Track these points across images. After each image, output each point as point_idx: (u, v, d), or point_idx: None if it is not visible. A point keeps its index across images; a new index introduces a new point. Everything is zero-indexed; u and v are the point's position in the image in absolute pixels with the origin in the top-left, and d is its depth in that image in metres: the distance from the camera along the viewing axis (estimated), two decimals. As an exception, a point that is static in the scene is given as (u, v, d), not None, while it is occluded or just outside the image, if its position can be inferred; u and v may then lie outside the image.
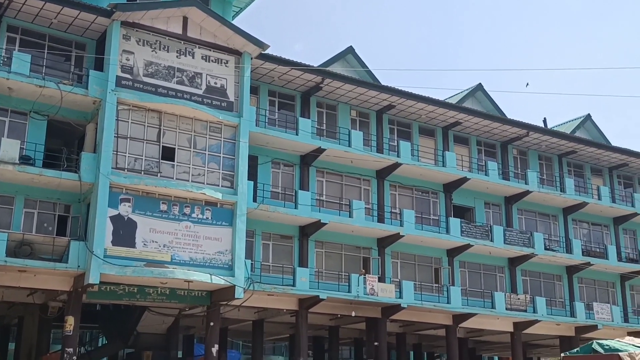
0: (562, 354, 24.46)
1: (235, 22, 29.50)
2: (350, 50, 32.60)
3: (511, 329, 33.48)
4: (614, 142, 40.44)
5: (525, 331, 33.52)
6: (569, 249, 35.91)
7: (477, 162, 34.70)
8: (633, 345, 23.19)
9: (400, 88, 31.14)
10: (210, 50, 26.47)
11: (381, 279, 29.79)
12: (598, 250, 37.10)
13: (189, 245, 24.49)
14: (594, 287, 37.72)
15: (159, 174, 24.53)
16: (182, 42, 25.95)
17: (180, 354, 33.66)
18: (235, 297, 24.64)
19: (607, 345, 22.74)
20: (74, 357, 22.93)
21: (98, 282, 22.48)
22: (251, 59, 27.16)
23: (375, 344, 29.75)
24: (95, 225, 22.80)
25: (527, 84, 38.56)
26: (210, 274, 24.09)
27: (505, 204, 35.34)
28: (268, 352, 48.40)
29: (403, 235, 30.14)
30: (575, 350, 24.66)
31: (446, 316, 31.46)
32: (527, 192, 34.70)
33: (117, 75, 24.36)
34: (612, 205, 37.71)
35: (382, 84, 31.70)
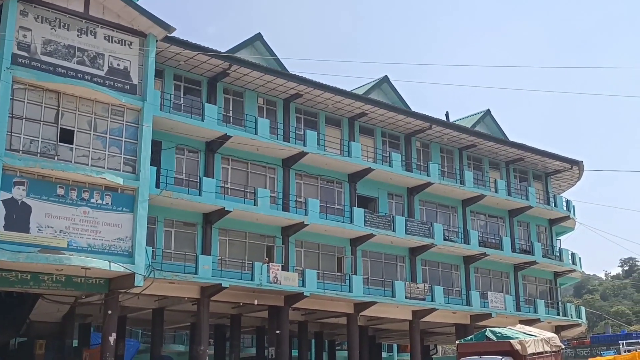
0: (457, 341, 25.33)
1: (142, 3, 28.67)
2: (258, 37, 32.39)
3: (410, 317, 34.47)
4: (512, 138, 42.12)
5: (424, 319, 34.60)
6: (466, 240, 37.18)
7: (381, 153, 35.33)
8: (524, 333, 24.41)
9: (307, 77, 31.23)
10: (113, 30, 25.64)
11: (284, 268, 29.92)
12: (494, 241, 38.63)
13: (87, 231, 23.76)
14: (489, 277, 39.27)
15: (56, 157, 23.61)
16: (84, 20, 25.02)
17: (75, 343, 32.72)
18: (135, 284, 24.14)
19: (499, 332, 23.82)
20: (-40, 347, 21.86)
21: (-12, 269, 21.46)
22: (156, 41, 26.51)
23: (277, 332, 29.90)
24: (-14, 209, 21.71)
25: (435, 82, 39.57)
26: (109, 261, 23.49)
27: (407, 194, 36.18)
28: (168, 340, 47.74)
29: (307, 224, 30.35)
30: (469, 337, 25.68)
31: (348, 305, 31.98)
32: (429, 184, 35.66)
33: (12, 53, 23.27)
34: (508, 198, 39.31)
35: (291, 72, 31.67)
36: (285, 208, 30.86)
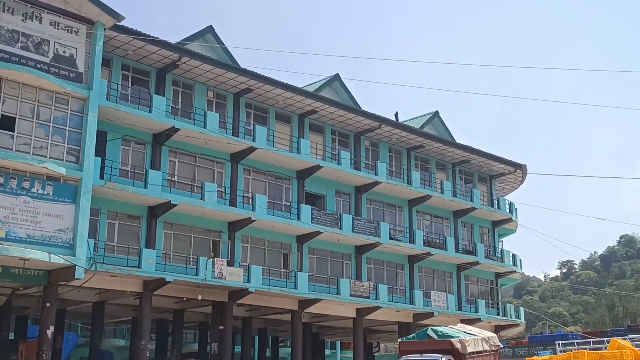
0: (399, 340, 25.58)
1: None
2: (210, 29, 32.02)
3: (354, 315, 34.67)
4: (459, 140, 42.77)
5: (367, 317, 34.86)
6: (412, 239, 37.58)
7: (330, 151, 35.41)
8: (464, 332, 24.82)
9: (259, 72, 31.07)
10: (60, 16, 24.98)
11: (230, 263, 29.70)
12: (438, 241, 39.16)
13: (27, 221, 23.11)
14: (432, 277, 39.80)
15: (-4, 144, 22.86)
16: (29, 5, 24.31)
17: (12, 336, 31.85)
18: (76, 277, 23.60)
19: (440, 331, 24.16)
20: None
21: None
22: (104, 29, 25.93)
23: (221, 327, 29.70)
24: None
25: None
26: (49, 253, 22.92)
27: (355, 193, 36.35)
28: (109, 335, 46.92)
29: (254, 220, 30.20)
30: (411, 335, 25.97)
31: (292, 301, 31.97)
32: (377, 183, 35.91)
33: (-48, 35, 22.42)
34: (453, 199, 39.89)
35: (242, 67, 31.43)
36: (233, 203, 30.63)
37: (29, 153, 23.44)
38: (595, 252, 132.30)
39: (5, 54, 23.51)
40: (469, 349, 23.04)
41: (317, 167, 33.40)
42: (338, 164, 34.56)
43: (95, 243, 25.41)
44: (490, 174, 44.42)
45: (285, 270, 32.46)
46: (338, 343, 55.80)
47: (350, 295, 33.17)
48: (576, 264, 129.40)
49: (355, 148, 36.98)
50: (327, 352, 52.74)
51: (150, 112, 27.78)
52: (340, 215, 33.99)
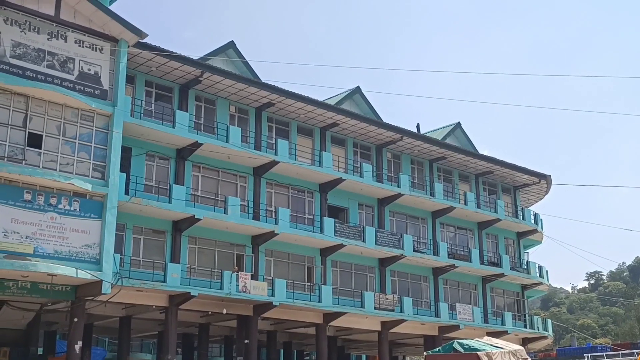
0: (425, 353, 25.40)
1: (118, 6, 28.53)
2: (231, 44, 32.40)
3: (379, 328, 34.47)
4: (481, 150, 42.62)
5: (392, 330, 34.64)
6: (435, 251, 37.41)
7: (352, 164, 35.46)
8: (491, 345, 24.52)
9: (280, 86, 31.29)
10: (84, 35, 25.42)
11: (254, 277, 29.78)
12: (463, 253, 38.91)
13: (54, 237, 23.42)
14: (457, 289, 39.52)
15: (23, 162, 23.25)
16: (55, 24, 24.77)
17: (40, 351, 32.21)
18: (102, 292, 23.83)
19: (466, 344, 23.90)
20: None
21: (-50, 274, 21.06)
22: (128, 47, 26.34)
23: (246, 341, 29.72)
24: (-50, 213, 21.31)
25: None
26: (76, 268, 23.17)
27: (378, 205, 36.31)
28: (135, 349, 47.16)
29: (277, 234, 30.28)
30: (437, 349, 25.75)
31: (317, 315, 31.91)
32: (399, 195, 35.83)
33: (-19, 55, 22.91)
34: (477, 211, 39.66)
35: (263, 81, 31.69)
36: (256, 217, 30.77)
37: (55, 170, 23.80)
38: (623, 263, 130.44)
39: (32, 72, 23.96)
40: (496, 362, 22.77)
41: (340, 180, 33.45)
42: (360, 176, 34.57)
43: (121, 258, 25.65)
44: (515, 184, 44.13)
45: (309, 284, 32.47)
46: (364, 357, 55.44)
47: (375, 308, 33.03)
48: (604, 275, 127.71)
49: (377, 160, 36.99)
50: (353, 365, 52.47)
51: (173, 127, 28.09)
52: (363, 227, 33.95)
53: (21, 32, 23.99)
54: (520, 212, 43.09)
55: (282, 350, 42.12)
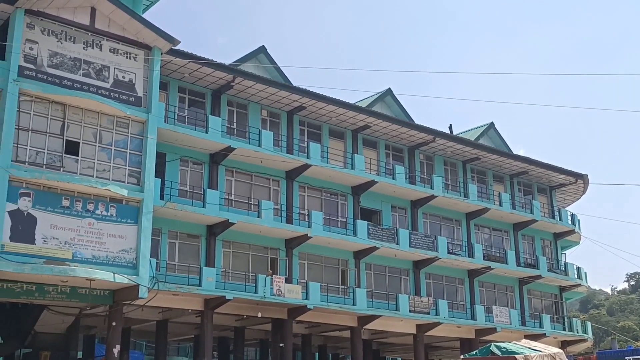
0: (462, 356, 25.19)
1: (152, 13, 28.97)
2: (262, 49, 32.64)
3: (414, 331, 34.31)
4: (516, 150, 42.18)
5: (428, 333, 34.44)
6: (470, 253, 37.12)
7: (385, 166, 35.40)
8: (529, 348, 24.17)
9: (311, 90, 31.44)
10: (118, 43, 25.87)
11: (288, 280, 29.89)
12: (498, 255, 38.53)
13: (92, 242, 23.83)
14: (493, 291, 39.13)
15: (61, 169, 23.74)
16: (90, 33, 25.26)
17: (80, 355, 32.71)
18: (139, 296, 24.13)
19: (504, 347, 23.58)
20: (-35, 358, 21.91)
21: (-7, 280, 21.56)
22: (161, 54, 26.72)
23: (281, 345, 29.84)
24: (-8, 220, 21.82)
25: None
26: (114, 273, 23.51)
27: (411, 207, 36.18)
28: (172, 352, 47.62)
29: (311, 237, 30.37)
30: (474, 352, 25.49)
31: (351, 318, 31.90)
32: (433, 197, 35.66)
33: (19, 65, 23.48)
34: (512, 212, 39.26)
35: (294, 85, 31.88)
36: (289, 220, 30.92)
37: (92, 176, 24.24)
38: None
39: (69, 81, 24.45)
40: (535, 366, 22.46)
41: (372, 183, 33.43)
42: (393, 178, 34.50)
43: (157, 262, 26.01)
44: (550, 184, 43.59)
45: (343, 287, 32.48)
46: (399, 360, 55.27)
47: (410, 311, 32.89)
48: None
49: (409, 162, 36.88)
50: (389, 369, 52.26)
51: (206, 132, 28.40)
52: (396, 230, 33.86)
53: (58, 42, 24.51)
54: (556, 213, 42.51)
55: (317, 354, 42.15)
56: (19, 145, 23.06)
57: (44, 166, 23.43)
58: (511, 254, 38.53)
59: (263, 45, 32.70)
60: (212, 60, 28.47)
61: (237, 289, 28.27)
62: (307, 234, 30.31)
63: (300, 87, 31.40)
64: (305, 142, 32.43)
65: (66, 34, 24.78)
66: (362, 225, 32.32)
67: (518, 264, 39.07)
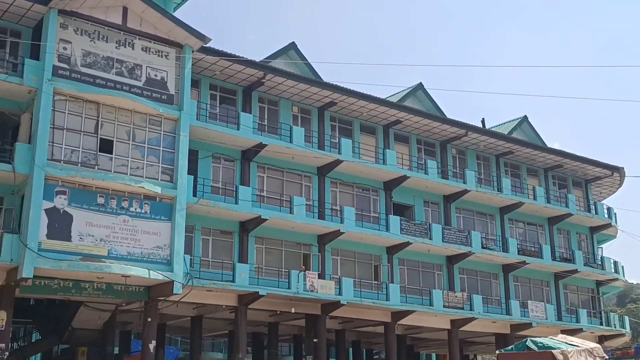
0: (498, 351, 24.95)
1: (184, 11, 29.17)
2: (292, 46, 32.65)
3: (448, 326, 34.08)
4: (550, 144, 41.60)
5: (462, 328, 34.19)
6: (505, 248, 36.73)
7: (417, 161, 35.19)
8: (566, 343, 23.84)
9: (342, 85, 31.36)
10: (150, 41, 26.10)
11: (321, 276, 29.91)
12: (533, 249, 38.06)
13: (127, 239, 24.09)
14: (528, 286, 38.68)
15: (96, 167, 24.06)
16: (122, 32, 25.52)
17: (116, 350, 33.14)
18: (174, 292, 24.36)
19: (540, 342, 23.30)
20: (6, 353, 22.35)
21: (32, 276, 21.96)
22: (192, 52, 26.89)
23: (315, 340, 29.86)
24: (30, 218, 22.21)
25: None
26: (148, 269, 23.76)
27: (444, 202, 35.92)
28: (207, 348, 47.99)
29: (343, 232, 30.32)
30: (510, 347, 25.24)
31: (385, 313, 31.79)
32: (466, 191, 35.35)
33: (53, 65, 23.82)
34: (547, 206, 38.74)
35: (325, 80, 31.83)
36: (321, 216, 30.91)
37: (126, 174, 24.50)
38: None
39: (102, 80, 24.74)
40: (571, 361, 22.14)
41: (404, 178, 33.25)
42: (425, 173, 34.28)
43: (191, 259, 26.19)
44: (586, 178, 42.90)
45: (376, 282, 32.39)
46: (434, 355, 54.88)
47: (444, 306, 32.67)
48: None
49: (442, 157, 36.60)
50: (423, 365, 52.05)
51: (238, 129, 28.51)
52: (429, 225, 33.65)
53: (91, 41, 24.81)
54: (592, 206, 41.84)
55: (350, 349, 42.14)
56: (54, 144, 23.41)
57: (79, 164, 23.75)
58: (546, 248, 38.05)
59: (293, 42, 32.74)
60: (242, 57, 28.56)
61: (270, 284, 28.37)
62: (339, 230, 30.27)
63: (331, 82, 31.36)
64: (337, 138, 32.38)
65: (99, 33, 25.07)
66: (394, 220, 32.18)
67: (553, 259, 38.58)
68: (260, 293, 27.08)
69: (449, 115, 37.05)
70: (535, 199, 38.27)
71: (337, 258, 31.61)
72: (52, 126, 23.41)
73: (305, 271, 28.80)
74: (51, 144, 23.30)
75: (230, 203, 27.89)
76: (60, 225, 22.92)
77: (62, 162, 23.41)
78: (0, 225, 23.53)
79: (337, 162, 31.09)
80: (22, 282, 22.39)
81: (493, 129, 40.25)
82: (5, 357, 22.24)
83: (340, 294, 29.32)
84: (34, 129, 23.29)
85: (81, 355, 29.18)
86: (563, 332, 32.86)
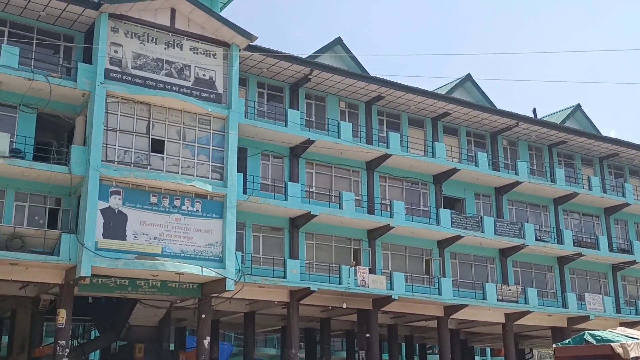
0: (554, 345, 24.51)
1: (228, 11, 29.45)
2: (338, 41, 32.60)
3: (503, 320, 33.57)
4: (605, 132, 40.61)
5: (517, 322, 33.62)
6: (560, 240, 36.03)
7: (466, 153, 34.77)
8: (625, 335, 23.21)
9: (388, 79, 31.21)
10: (198, 42, 26.44)
11: (372, 271, 29.84)
12: (589, 240, 37.21)
13: (180, 237, 24.48)
14: (585, 278, 37.86)
15: (148, 167, 24.51)
16: (170, 34, 25.92)
17: (172, 346, 33.72)
18: (226, 289, 24.67)
19: (599, 336, 22.73)
20: (67, 350, 22.97)
21: (89, 275, 22.51)
22: (239, 50, 27.13)
23: (367, 335, 29.82)
24: (86, 218, 22.80)
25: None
26: (201, 266, 24.11)
27: (495, 194, 35.43)
28: (260, 344, 48.53)
29: (393, 227, 30.19)
30: (567, 341, 24.73)
31: (437, 307, 31.54)
32: (518, 183, 34.79)
33: (105, 68, 24.33)
34: (603, 196, 37.84)
35: (371, 75, 31.70)
36: (371, 211, 30.84)
37: (178, 173, 24.91)
38: None
39: (152, 81, 25.18)
40: (632, 354, 21.47)
41: (454, 170, 32.91)
42: (475, 165, 33.86)
43: (242, 255, 26.45)
44: (643, 166, 41.73)
45: (427, 276, 32.17)
46: (488, 350, 54.41)
47: (498, 300, 32.21)
48: None
49: (492, 148, 36.09)
50: (477, 358, 51.62)
51: (286, 126, 28.66)
52: (481, 217, 33.23)
53: (140, 43, 25.28)
54: (651, 196, 40.68)
55: (403, 344, 42.01)
56: (107, 145, 23.94)
57: (132, 165, 24.24)
58: (603, 239, 37.16)
59: (339, 37, 32.70)
60: (288, 54, 28.68)
61: (321, 280, 28.45)
62: (389, 224, 30.15)
63: (377, 77, 31.22)
64: (385, 132, 32.23)
65: (148, 35, 25.52)
66: (445, 214, 31.89)
67: (611, 250, 37.67)
68: (311, 289, 27.19)
69: (499, 105, 36.62)
70: (590, 189, 37.42)
71: (387, 253, 31.51)
72: (105, 128, 23.94)
73: (356, 266, 28.78)
74: (105, 145, 23.83)
75: (280, 200, 28.07)
76: (115, 224, 23.44)
77: (115, 162, 23.94)
78: (59, 226, 24.20)
79: (386, 157, 30.97)
80: (80, 281, 23.01)
81: (545, 119, 39.47)
82: (66, 354, 22.89)
83: (391, 288, 29.22)
84: (88, 131, 23.88)
85: (138, 351, 29.79)
86: (622, 324, 32.10)
